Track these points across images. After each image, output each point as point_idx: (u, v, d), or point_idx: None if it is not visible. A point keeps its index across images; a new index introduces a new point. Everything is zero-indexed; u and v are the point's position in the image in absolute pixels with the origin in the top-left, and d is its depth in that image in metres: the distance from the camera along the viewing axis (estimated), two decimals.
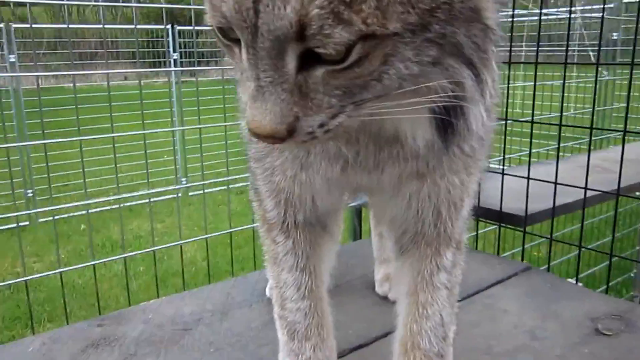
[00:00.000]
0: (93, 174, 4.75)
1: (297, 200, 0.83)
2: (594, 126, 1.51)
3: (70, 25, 2.42)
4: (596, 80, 1.52)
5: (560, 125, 1.47)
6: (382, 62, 0.51)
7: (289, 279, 0.91)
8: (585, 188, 1.34)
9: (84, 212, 4.02)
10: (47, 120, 2.41)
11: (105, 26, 3.85)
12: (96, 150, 4.53)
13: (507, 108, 1.54)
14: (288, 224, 0.88)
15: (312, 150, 0.74)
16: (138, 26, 4.59)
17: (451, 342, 0.90)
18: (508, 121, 1.65)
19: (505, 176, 1.49)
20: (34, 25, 2.82)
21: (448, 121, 0.62)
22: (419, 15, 0.50)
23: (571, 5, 1.64)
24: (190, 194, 4.84)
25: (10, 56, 4.04)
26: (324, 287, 0.94)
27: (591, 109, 1.79)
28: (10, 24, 4.25)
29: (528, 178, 1.42)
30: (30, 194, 4.39)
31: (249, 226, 2.05)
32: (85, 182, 1.91)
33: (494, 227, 1.52)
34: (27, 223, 4.25)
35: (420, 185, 0.76)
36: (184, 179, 4.49)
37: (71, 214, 4.24)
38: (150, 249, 1.95)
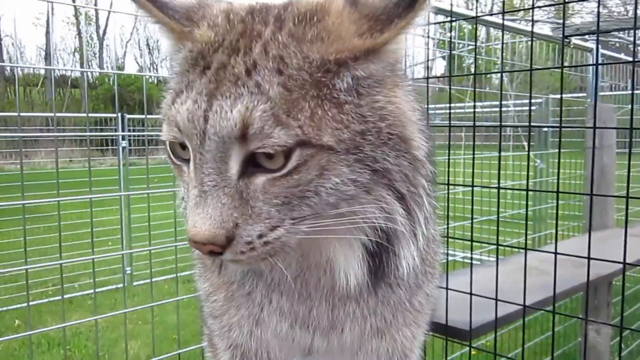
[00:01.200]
0: (33, 262, 4.54)
1: (254, 356, 0.81)
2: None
3: (22, 114, 2.52)
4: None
5: (497, 228, 1.54)
6: (318, 173, 0.55)
7: None
8: (525, 306, 1.38)
9: (23, 304, 3.84)
10: None
11: (57, 114, 3.97)
12: (39, 240, 4.39)
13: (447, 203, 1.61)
14: None
15: (266, 307, 0.74)
16: (90, 114, 4.73)
17: None
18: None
19: (450, 282, 1.51)
20: None
21: (379, 260, 0.64)
22: (351, 134, 0.56)
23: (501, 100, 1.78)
24: (135, 283, 4.67)
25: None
26: None
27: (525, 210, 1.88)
28: None
29: (470, 294, 1.46)
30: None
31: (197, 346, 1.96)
32: (27, 272, 1.81)
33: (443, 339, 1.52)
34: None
35: (380, 342, 0.77)
36: (128, 269, 4.38)
37: (4, 308, 4.05)
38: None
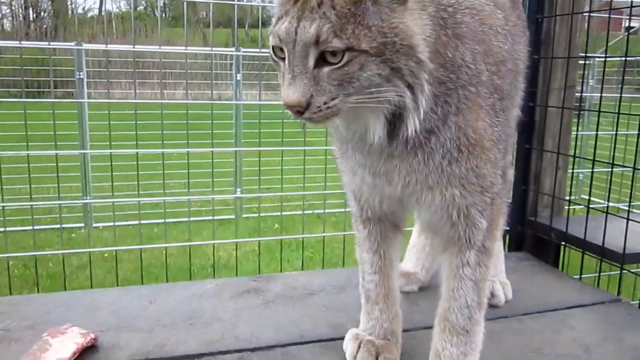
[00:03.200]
0: (290, 180, 5.10)
1: (357, 193, 1.14)
2: None
3: None
4: None
5: None
6: (359, 67, 0.86)
7: (366, 258, 1.21)
8: None
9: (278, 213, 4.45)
10: (263, 130, 2.82)
11: None
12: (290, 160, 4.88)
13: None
14: (364, 217, 1.19)
15: (354, 162, 1.07)
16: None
17: (478, 323, 1.10)
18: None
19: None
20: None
21: (394, 125, 0.94)
22: (378, 44, 0.87)
23: None
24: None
25: (237, 75, 5.12)
26: (393, 267, 1.22)
27: None
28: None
29: (627, 219, 1.56)
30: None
31: None
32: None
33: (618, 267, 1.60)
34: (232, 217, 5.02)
35: (432, 194, 1.03)
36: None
37: (269, 214, 4.85)
38: None
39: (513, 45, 1.12)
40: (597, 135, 1.98)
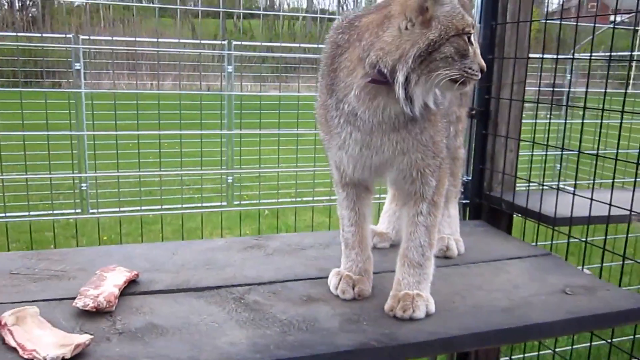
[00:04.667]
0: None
1: (340, 167, 1.46)
2: None
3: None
4: None
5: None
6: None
7: (345, 214, 1.54)
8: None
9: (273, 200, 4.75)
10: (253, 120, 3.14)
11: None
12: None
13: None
14: (344, 183, 1.50)
15: (348, 139, 1.37)
16: None
17: (429, 259, 1.44)
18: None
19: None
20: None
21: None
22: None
23: None
24: None
25: (229, 67, 5.42)
26: (366, 221, 1.55)
27: None
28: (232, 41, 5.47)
29: (557, 190, 1.94)
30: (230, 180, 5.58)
31: None
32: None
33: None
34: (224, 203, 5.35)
35: (403, 158, 1.37)
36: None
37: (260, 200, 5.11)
38: None
39: None
40: (549, 123, 2.35)
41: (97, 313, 1.31)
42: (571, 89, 6.64)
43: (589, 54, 2.20)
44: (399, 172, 1.41)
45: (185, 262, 1.68)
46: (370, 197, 1.57)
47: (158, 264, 1.66)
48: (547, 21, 2.10)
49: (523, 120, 2.13)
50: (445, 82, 1.24)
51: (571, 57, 2.95)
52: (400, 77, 1.21)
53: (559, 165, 5.98)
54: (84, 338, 1.14)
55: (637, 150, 1.96)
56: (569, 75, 6.83)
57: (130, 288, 1.47)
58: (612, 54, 1.86)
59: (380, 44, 1.24)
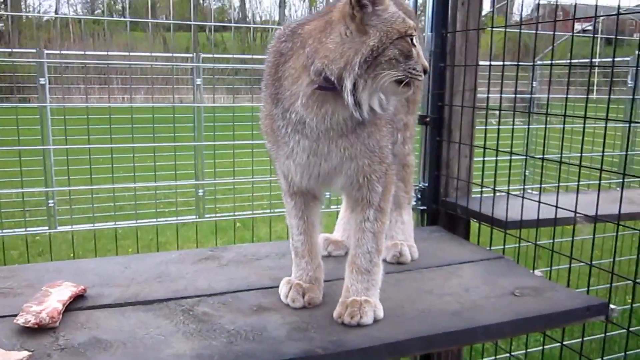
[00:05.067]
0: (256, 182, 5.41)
1: (290, 178, 1.46)
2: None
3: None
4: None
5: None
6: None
7: (293, 223, 1.54)
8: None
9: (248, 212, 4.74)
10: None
11: None
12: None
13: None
14: (292, 192, 1.51)
15: (296, 147, 1.37)
16: None
17: (377, 265, 1.46)
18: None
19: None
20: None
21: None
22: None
23: None
24: None
25: (197, 79, 5.53)
26: (315, 229, 1.55)
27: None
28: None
29: (507, 194, 1.97)
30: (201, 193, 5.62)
31: None
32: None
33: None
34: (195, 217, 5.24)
35: (350, 164, 1.39)
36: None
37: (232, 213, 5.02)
38: None
39: None
40: (498, 129, 2.40)
41: (39, 329, 1.29)
42: (535, 96, 6.86)
43: (550, 62, 2.25)
44: (346, 178, 1.42)
45: (136, 276, 1.66)
46: (318, 205, 1.58)
47: (108, 278, 1.64)
48: (494, 28, 2.15)
49: (488, 127, 2.18)
50: (390, 83, 1.26)
51: (532, 64, 3.03)
52: (349, 84, 1.24)
53: (527, 171, 6.12)
54: (22, 355, 1.13)
55: (592, 154, 2.01)
56: (533, 82, 7.03)
57: (77, 303, 1.45)
58: (573, 61, 1.90)
59: (324, 52, 1.26)
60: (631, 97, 5.99)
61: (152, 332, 1.32)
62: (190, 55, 6.41)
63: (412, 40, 1.26)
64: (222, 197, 6.39)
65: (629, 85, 6.13)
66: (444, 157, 2.31)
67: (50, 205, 5.60)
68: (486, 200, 2.12)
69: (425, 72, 1.29)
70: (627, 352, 3.14)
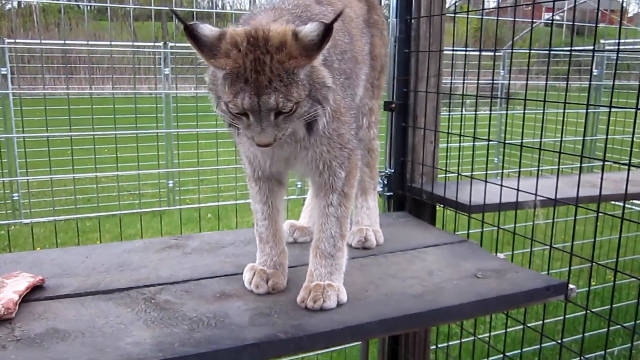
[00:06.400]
0: (224, 171, 5.38)
1: (256, 163, 1.48)
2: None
3: None
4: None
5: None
6: (300, 108, 1.21)
7: (258, 208, 1.55)
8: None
9: (215, 203, 4.66)
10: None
11: None
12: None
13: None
14: (256, 177, 1.52)
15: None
16: None
17: (341, 250, 1.47)
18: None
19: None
20: None
21: (311, 126, 1.30)
22: (309, 90, 1.22)
23: None
24: None
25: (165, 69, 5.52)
26: (279, 214, 1.56)
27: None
28: None
29: (471, 179, 2.00)
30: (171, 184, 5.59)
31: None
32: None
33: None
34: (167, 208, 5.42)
35: (306, 152, 1.41)
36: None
37: (204, 204, 4.96)
38: None
39: (352, 41, 1.52)
40: (462, 116, 2.42)
41: None
42: (505, 83, 6.96)
43: (522, 50, 2.27)
44: (304, 165, 1.43)
45: (97, 266, 1.64)
46: (283, 190, 1.58)
47: (68, 268, 1.61)
48: (456, 14, 2.16)
49: (464, 113, 2.19)
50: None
51: (494, 50, 3.07)
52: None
53: (496, 158, 6.20)
54: None
55: (554, 140, 2.04)
56: (502, 70, 7.15)
57: (34, 294, 1.42)
58: (533, 49, 1.92)
59: None
60: (595, 83, 6.13)
61: (112, 321, 1.30)
62: (156, 44, 6.31)
63: None
64: (192, 187, 6.33)
65: (594, 74, 6.27)
66: (410, 143, 2.32)
67: (15, 198, 5.48)
68: (451, 186, 2.14)
69: None
70: (588, 333, 3.24)
